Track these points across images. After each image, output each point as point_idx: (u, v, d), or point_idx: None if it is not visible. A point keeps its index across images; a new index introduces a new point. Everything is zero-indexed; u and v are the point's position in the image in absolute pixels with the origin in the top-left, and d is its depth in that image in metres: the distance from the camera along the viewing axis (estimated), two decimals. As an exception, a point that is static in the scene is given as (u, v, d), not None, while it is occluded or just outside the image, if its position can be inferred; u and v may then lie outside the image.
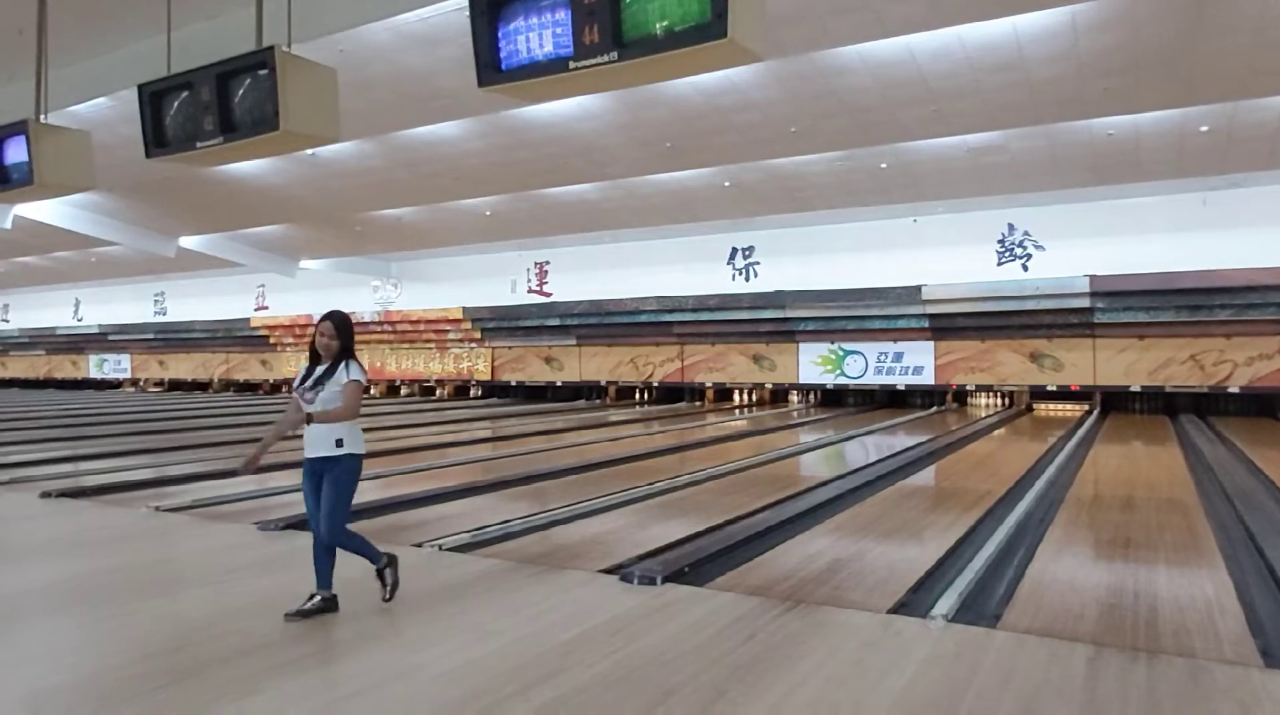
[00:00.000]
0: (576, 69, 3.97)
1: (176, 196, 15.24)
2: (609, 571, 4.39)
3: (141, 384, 28.38)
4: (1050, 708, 2.73)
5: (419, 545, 4.99)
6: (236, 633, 3.49)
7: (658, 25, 3.79)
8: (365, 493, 6.91)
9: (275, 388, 25.21)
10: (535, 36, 4.10)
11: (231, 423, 14.51)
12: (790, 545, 5.09)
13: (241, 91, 5.11)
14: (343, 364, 3.89)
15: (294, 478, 7.93)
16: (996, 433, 12.27)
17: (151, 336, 26.51)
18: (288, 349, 24.47)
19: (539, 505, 6.31)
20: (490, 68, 4.25)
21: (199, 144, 5.24)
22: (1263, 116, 10.27)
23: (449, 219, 16.75)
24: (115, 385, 28.81)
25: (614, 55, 3.87)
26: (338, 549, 3.82)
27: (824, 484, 7.38)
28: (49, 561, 4.88)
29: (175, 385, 27.47)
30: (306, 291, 22.56)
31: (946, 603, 3.72)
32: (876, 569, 4.52)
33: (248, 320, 24.01)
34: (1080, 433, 11.52)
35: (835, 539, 5.27)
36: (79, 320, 27.99)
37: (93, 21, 7.83)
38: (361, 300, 22.17)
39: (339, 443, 3.81)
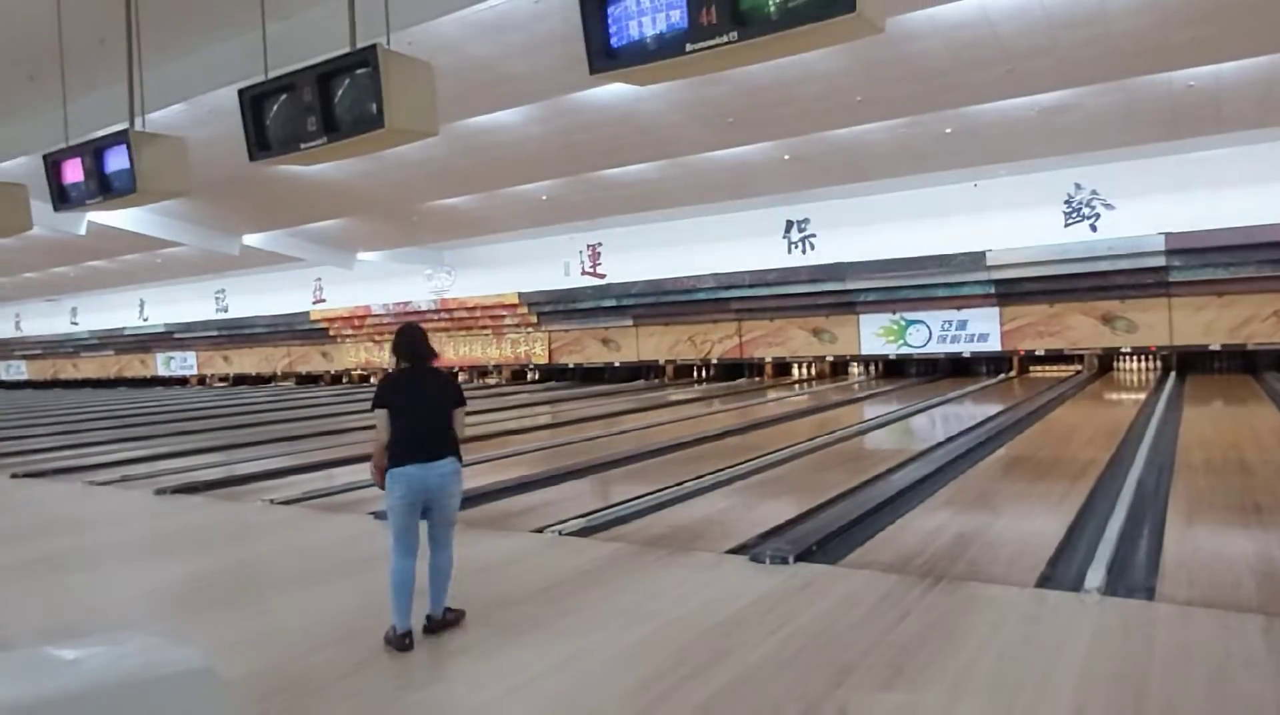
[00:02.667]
0: (694, 51, 3.92)
1: (241, 196, 15.50)
2: (735, 552, 4.42)
3: (208, 380, 29.14)
4: (1244, 681, 2.68)
5: (539, 531, 5.06)
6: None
7: (775, 1, 3.73)
8: (469, 479, 7.03)
9: (336, 378, 25.73)
10: (649, 19, 4.05)
11: (303, 415, 14.82)
12: (907, 521, 5.05)
13: (342, 91, 5.18)
14: None
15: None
16: (1076, 398, 12.01)
17: (215, 333, 27.16)
18: (347, 341, 24.92)
19: (642, 487, 6.32)
20: (601, 53, 4.21)
21: (303, 145, 5.30)
22: (1356, 59, 9.80)
23: (505, 204, 16.80)
24: (183, 382, 29.63)
25: (734, 35, 3.81)
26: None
27: (917, 457, 7.31)
28: (185, 557, 5.05)
29: (240, 380, 28.15)
30: (363, 282, 22.87)
31: (1096, 576, 3.66)
32: (1006, 542, 4.48)
33: (307, 313, 24.46)
34: (1164, 395, 11.23)
35: (952, 513, 5.23)
36: (145, 320, 28.77)
37: (184, 27, 7.97)
38: (417, 289, 22.44)
39: None
